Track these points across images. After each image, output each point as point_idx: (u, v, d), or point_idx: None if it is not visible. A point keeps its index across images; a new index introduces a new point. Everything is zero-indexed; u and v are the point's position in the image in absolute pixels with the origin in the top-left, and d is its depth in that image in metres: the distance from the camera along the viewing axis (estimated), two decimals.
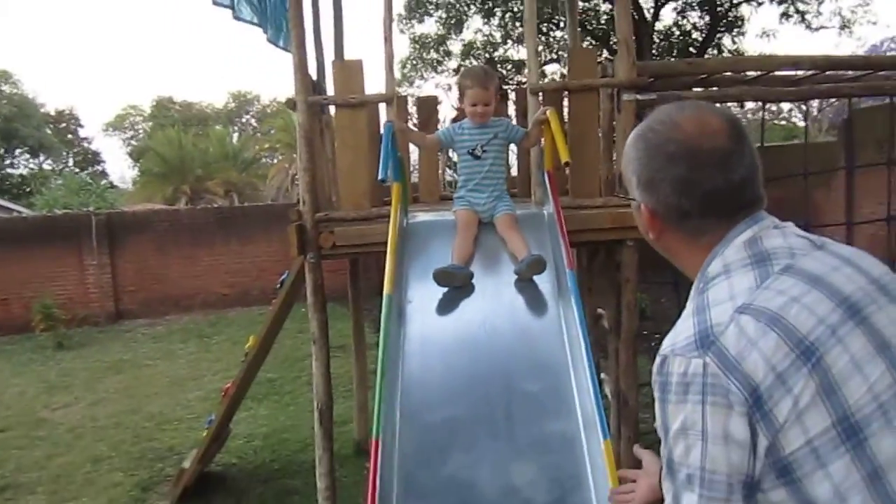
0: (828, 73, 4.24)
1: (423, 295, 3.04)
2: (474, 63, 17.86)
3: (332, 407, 4.03)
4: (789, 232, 1.22)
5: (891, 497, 1.00)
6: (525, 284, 3.03)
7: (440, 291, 3.05)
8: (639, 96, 3.74)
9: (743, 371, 1.03)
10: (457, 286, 3.03)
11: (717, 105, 1.37)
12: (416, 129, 3.59)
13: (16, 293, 12.61)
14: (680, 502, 1.10)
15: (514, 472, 2.35)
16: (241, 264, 13.77)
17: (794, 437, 1.02)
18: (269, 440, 6.29)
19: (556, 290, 2.98)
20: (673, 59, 13.01)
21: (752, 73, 4.32)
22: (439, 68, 17.78)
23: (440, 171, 6.00)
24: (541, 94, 4.01)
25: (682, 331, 1.12)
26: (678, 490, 1.11)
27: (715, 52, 15.89)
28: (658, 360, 1.14)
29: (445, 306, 2.97)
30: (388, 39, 3.72)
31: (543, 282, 3.00)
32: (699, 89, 4.20)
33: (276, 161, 35.45)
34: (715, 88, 4.46)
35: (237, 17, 4.29)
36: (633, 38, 3.89)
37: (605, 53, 13.81)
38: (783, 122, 34.04)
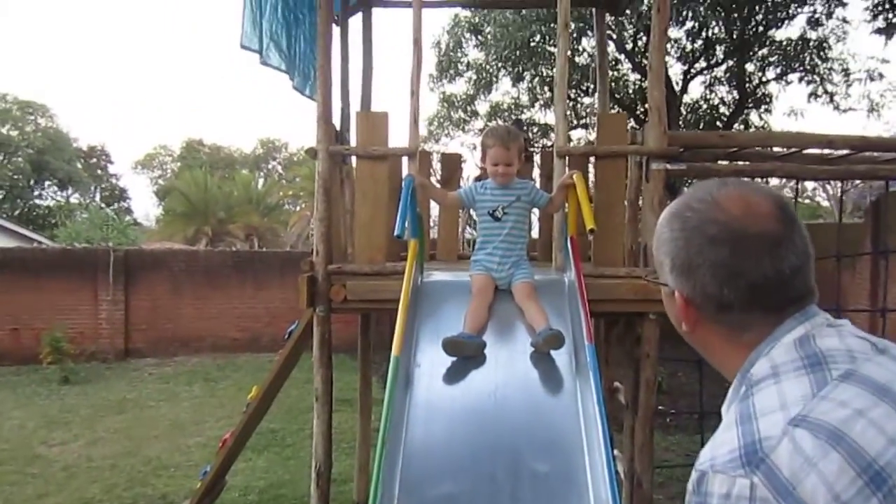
0: (862, 153, 4.14)
1: (433, 359, 2.90)
2: (500, 124, 18.03)
3: (331, 467, 3.86)
4: (846, 331, 1.04)
5: None
6: (540, 356, 2.88)
7: (451, 357, 2.90)
8: (668, 166, 3.63)
9: (798, 497, 0.85)
10: (467, 356, 2.88)
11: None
12: (437, 186, 3.47)
13: (27, 323, 12.57)
14: None
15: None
16: (255, 309, 13.67)
17: None
18: (265, 495, 6.07)
19: (573, 364, 2.83)
20: (703, 132, 13.00)
21: (781, 150, 4.23)
22: (465, 127, 17.90)
23: (460, 230, 5.90)
24: (566, 158, 3.93)
25: (724, 442, 0.94)
26: None
27: (742, 127, 15.86)
28: (695, 476, 0.95)
29: (455, 373, 2.82)
30: (414, 93, 3.66)
31: (560, 354, 2.85)
32: (727, 162, 4.10)
33: (298, 208, 35.72)
34: (745, 163, 4.36)
35: (264, 63, 4.27)
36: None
37: (632, 122, 13.83)
38: (807, 201, 33.93)
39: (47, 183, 37.44)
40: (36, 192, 37.40)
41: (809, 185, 32.05)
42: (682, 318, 1.11)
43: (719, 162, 4.05)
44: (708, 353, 1.14)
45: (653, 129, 3.66)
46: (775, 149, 4.39)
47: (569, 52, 3.81)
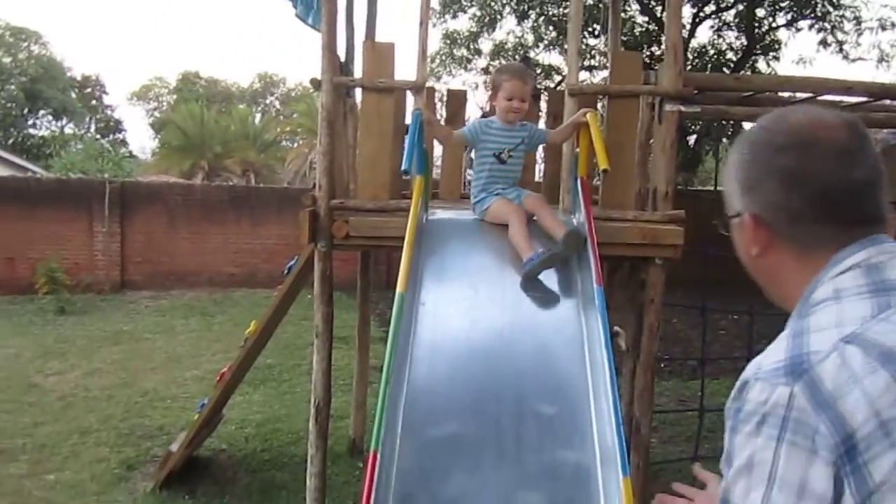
0: (880, 101, 4.04)
1: (437, 297, 2.84)
2: (503, 62, 17.69)
3: (330, 404, 3.85)
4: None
5: None
6: (548, 296, 2.82)
7: (456, 295, 2.86)
8: (682, 108, 3.53)
9: (837, 411, 0.83)
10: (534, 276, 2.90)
11: None
12: (442, 123, 3.41)
13: (22, 253, 12.49)
14: None
15: (520, 502, 2.15)
16: (251, 245, 13.60)
17: (878, 489, 0.82)
18: (262, 429, 6.11)
19: (580, 306, 2.78)
20: (718, 74, 12.75)
21: (799, 95, 4.11)
22: (468, 66, 17.56)
23: (463, 169, 5.79)
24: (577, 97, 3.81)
25: (772, 354, 0.93)
26: None
27: (749, 73, 15.62)
28: (738, 384, 0.94)
29: (461, 312, 2.77)
30: (423, 23, 3.52)
31: (567, 295, 2.79)
32: (743, 107, 3.99)
33: (296, 145, 35.36)
34: (757, 107, 4.25)
35: None
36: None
37: None
38: None
39: (41, 112, 36.89)
40: (30, 122, 36.91)
41: None
42: (752, 241, 1.06)
43: (734, 106, 3.94)
44: (775, 279, 1.08)
45: (668, 69, 3.54)
46: (786, 95, 4.28)
47: None
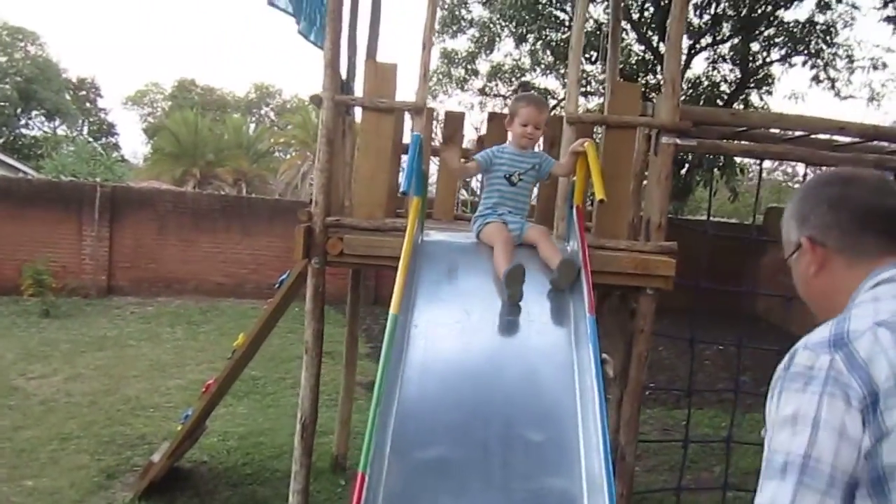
0: (872, 142, 4.09)
1: (430, 319, 2.85)
2: (500, 85, 17.81)
3: (316, 421, 3.83)
4: None
5: None
6: (540, 322, 2.84)
7: (448, 317, 2.86)
8: (679, 140, 3.57)
9: (868, 371, 1.05)
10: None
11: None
12: (472, 160, 3.47)
13: (9, 255, 12.38)
14: (760, 496, 1.08)
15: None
16: (240, 256, 13.56)
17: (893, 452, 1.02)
18: (244, 442, 6.07)
19: (571, 334, 2.79)
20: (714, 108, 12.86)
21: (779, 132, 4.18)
22: (465, 86, 17.67)
23: (457, 190, 5.82)
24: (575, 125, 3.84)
25: (818, 333, 1.15)
26: (763, 483, 1.09)
27: (741, 107, 15.79)
28: (788, 355, 1.15)
29: (453, 335, 2.78)
30: (426, 46, 3.56)
31: (559, 324, 2.81)
32: (740, 142, 4.04)
33: (289, 156, 35.38)
34: (755, 143, 4.31)
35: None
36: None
37: None
38: (797, 185, 34.03)
39: (34, 113, 36.78)
40: (22, 122, 36.76)
41: (801, 169, 32.12)
42: (811, 262, 1.28)
43: (729, 141, 3.99)
44: (830, 293, 1.28)
45: (666, 102, 3.58)
46: (773, 130, 4.34)
47: (586, 16, 3.72)
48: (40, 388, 7.30)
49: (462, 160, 3.54)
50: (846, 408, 1.03)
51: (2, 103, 34.14)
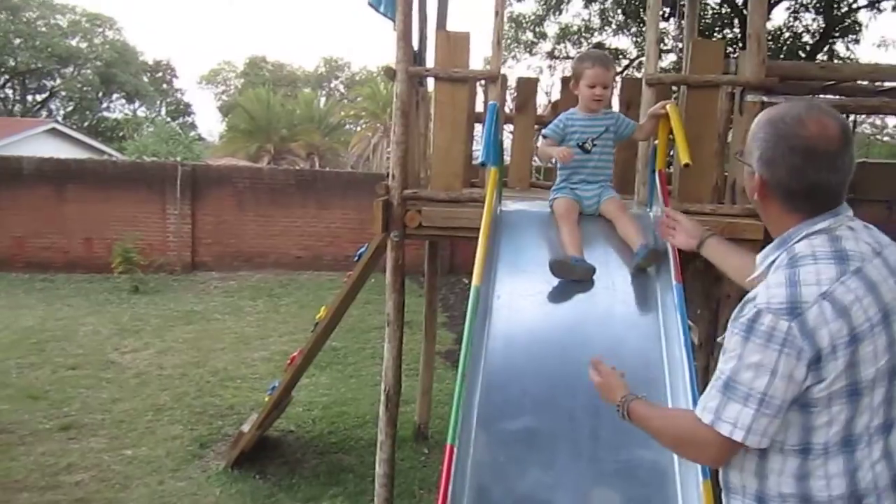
0: None
1: (512, 290, 2.83)
2: (569, 47, 17.44)
3: (400, 392, 3.89)
4: (859, 236, 1.57)
5: (854, 427, 1.49)
6: (624, 291, 2.78)
7: (530, 287, 2.84)
8: (765, 98, 3.42)
9: (815, 339, 1.44)
10: (575, 280, 2.80)
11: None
12: (547, 139, 3.19)
13: (99, 234, 12.97)
14: (723, 412, 1.50)
15: (595, 500, 2.14)
16: (316, 229, 13.82)
17: (823, 387, 1.46)
18: (328, 411, 6.22)
19: (657, 302, 2.73)
20: (802, 62, 12.27)
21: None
22: (533, 50, 17.38)
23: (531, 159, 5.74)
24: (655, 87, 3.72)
25: (777, 295, 1.48)
26: (725, 400, 1.50)
27: (825, 58, 15.05)
28: (752, 308, 1.49)
29: (535, 305, 2.76)
30: (499, 13, 3.49)
31: (644, 292, 2.75)
32: (831, 96, 3.84)
33: (359, 129, 35.66)
34: (843, 97, 4.10)
35: None
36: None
37: None
38: (887, 139, 32.30)
39: (115, 96, 38.08)
40: (104, 105, 38.12)
41: (891, 121, 30.49)
42: (755, 191, 1.63)
43: (818, 96, 3.80)
44: (764, 214, 1.67)
45: (751, 58, 3.43)
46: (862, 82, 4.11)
47: None
48: (134, 362, 7.64)
49: (549, 144, 3.21)
50: (797, 363, 1.44)
51: (84, 88, 35.42)
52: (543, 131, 3.22)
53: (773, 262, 1.58)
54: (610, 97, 3.19)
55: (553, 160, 3.20)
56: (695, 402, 2.22)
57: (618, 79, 3.42)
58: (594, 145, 3.14)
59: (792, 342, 1.43)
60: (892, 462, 1.53)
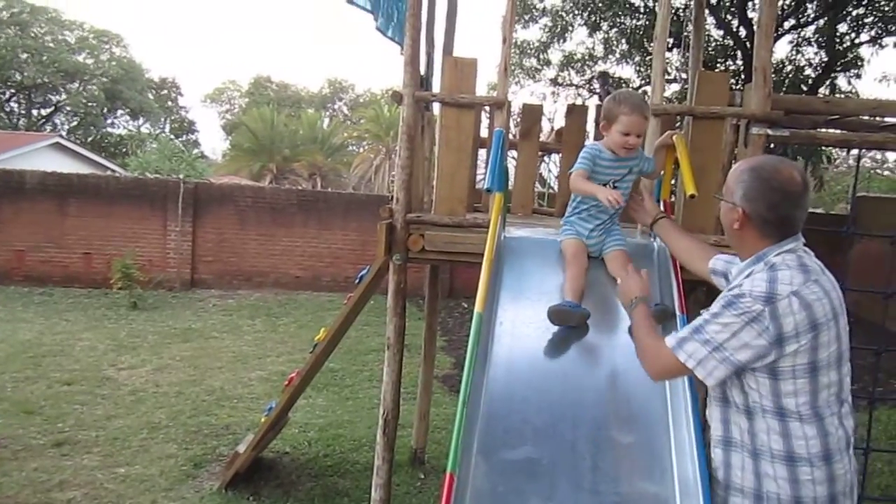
0: None
1: (515, 317, 2.82)
2: (572, 75, 17.54)
3: (398, 416, 3.86)
4: (811, 258, 2.06)
5: (818, 400, 1.97)
6: (627, 323, 2.76)
7: (533, 315, 2.82)
8: (770, 131, 3.43)
9: (780, 324, 1.91)
10: (572, 326, 2.74)
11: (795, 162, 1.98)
12: (581, 171, 2.93)
13: (98, 249, 12.97)
14: (685, 345, 2.04)
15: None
16: (317, 249, 13.82)
17: (788, 361, 1.94)
18: (325, 433, 6.17)
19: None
20: (807, 96, 12.33)
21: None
22: (537, 76, 17.49)
23: (534, 185, 5.76)
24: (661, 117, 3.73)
25: (759, 286, 1.96)
26: (689, 339, 2.03)
27: (828, 92, 15.14)
28: (736, 290, 1.99)
29: (538, 333, 2.74)
30: (506, 41, 3.51)
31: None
32: (835, 130, 3.86)
33: (361, 150, 35.81)
34: (847, 132, 4.11)
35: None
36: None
37: None
38: (887, 173, 32.42)
39: (120, 112, 38.24)
40: (109, 121, 38.26)
41: (891, 156, 30.62)
42: (736, 221, 2.09)
43: (823, 130, 3.81)
44: (740, 241, 2.14)
45: (756, 91, 3.45)
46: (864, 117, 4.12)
47: (671, 2, 3.60)
48: (130, 379, 7.59)
49: (584, 177, 2.95)
50: (757, 336, 1.91)
51: (90, 104, 35.59)
52: (577, 165, 2.97)
53: (750, 272, 2.04)
54: (639, 145, 2.99)
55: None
56: (696, 428, 2.25)
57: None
58: (615, 186, 2.98)
59: (760, 321, 1.91)
60: (846, 429, 2.02)
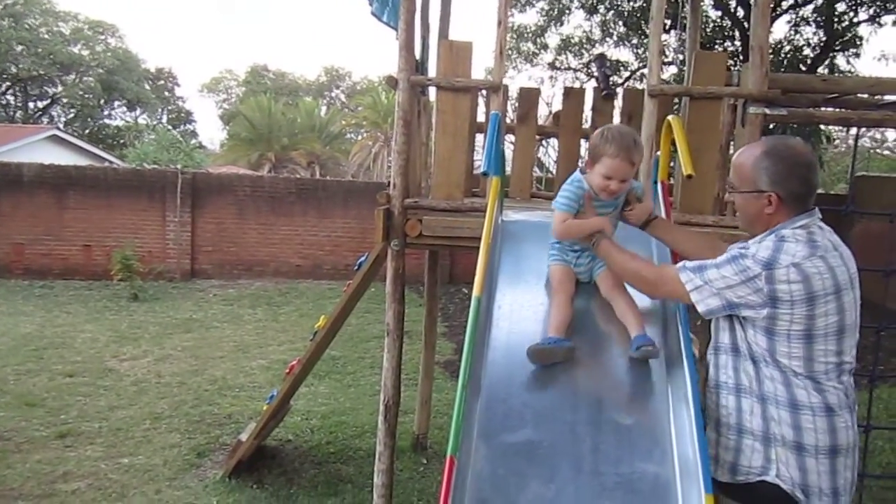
0: None
1: (513, 301, 2.81)
2: (570, 58, 17.45)
3: (399, 402, 3.87)
4: (824, 234, 2.15)
5: (815, 366, 2.09)
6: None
7: (531, 298, 2.82)
8: (767, 110, 3.41)
9: (775, 288, 2.06)
10: (556, 363, 2.49)
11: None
12: (564, 213, 2.63)
13: (98, 241, 12.98)
14: (686, 272, 2.24)
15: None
16: (317, 237, 13.82)
17: (783, 325, 2.08)
18: (327, 421, 6.19)
19: (660, 314, 2.71)
20: (804, 75, 12.27)
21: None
22: (534, 61, 17.42)
23: (532, 169, 5.74)
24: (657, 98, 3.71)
25: (763, 251, 2.10)
26: (696, 274, 2.22)
27: (826, 71, 15.08)
28: (745, 250, 2.15)
29: (536, 316, 2.73)
30: (501, 23, 3.49)
31: (644, 302, 2.72)
32: (832, 109, 3.84)
33: (360, 138, 35.72)
34: (845, 110, 4.09)
35: None
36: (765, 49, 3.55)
37: None
38: (887, 152, 32.30)
39: (116, 103, 38.14)
40: (105, 112, 38.16)
41: (890, 135, 30.51)
42: (765, 207, 2.17)
43: (820, 109, 3.79)
44: (764, 223, 2.20)
45: (754, 71, 3.43)
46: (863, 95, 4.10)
47: None
48: (132, 370, 7.61)
49: (567, 219, 2.64)
50: (751, 292, 2.09)
51: (86, 95, 35.48)
52: (559, 206, 2.65)
53: (762, 241, 2.16)
54: (626, 190, 2.65)
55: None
56: (696, 412, 2.24)
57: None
58: (601, 214, 2.68)
59: (754, 282, 2.08)
60: (847, 392, 2.15)
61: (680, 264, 2.29)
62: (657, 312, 2.75)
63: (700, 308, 2.22)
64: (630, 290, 2.63)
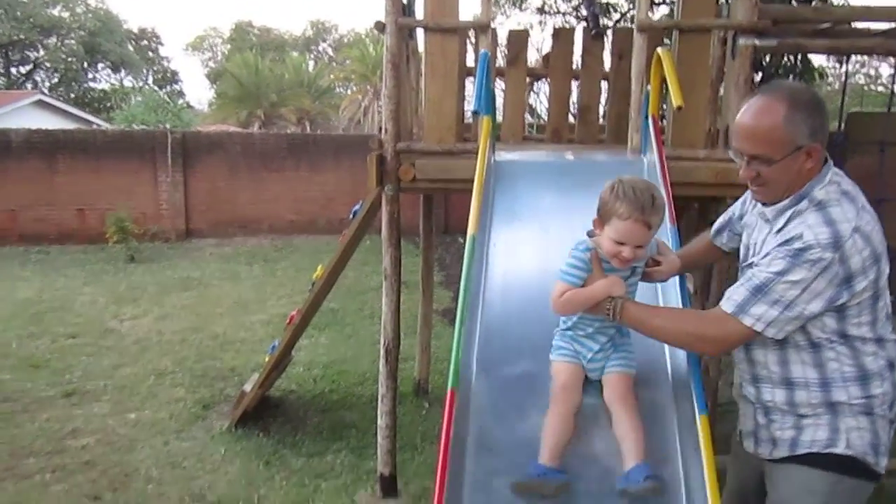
0: None
1: (508, 238, 2.84)
2: (559, 2, 17.17)
3: (399, 345, 3.92)
4: (845, 179, 1.98)
5: (876, 324, 1.95)
6: None
7: (526, 235, 2.85)
8: (757, 42, 3.40)
9: (849, 265, 1.84)
10: (547, 496, 2.03)
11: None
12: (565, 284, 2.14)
13: (92, 204, 12.94)
14: (750, 309, 1.90)
15: (595, 438, 2.17)
16: (310, 192, 13.80)
17: (856, 297, 1.88)
18: (329, 370, 6.28)
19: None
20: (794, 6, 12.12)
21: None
22: (522, 5, 17.15)
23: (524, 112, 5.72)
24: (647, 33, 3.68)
25: (822, 233, 1.84)
26: (752, 301, 1.90)
27: (822, 3, 14.91)
28: (799, 244, 1.84)
29: (532, 253, 2.77)
30: None
31: None
32: (825, 39, 3.82)
33: (349, 92, 35.36)
34: (837, 39, 4.07)
35: None
36: None
37: None
38: (881, 88, 32.11)
39: (100, 66, 37.53)
40: (90, 76, 37.60)
41: (885, 71, 30.27)
42: (811, 160, 1.91)
43: (811, 39, 3.78)
44: (804, 178, 1.93)
45: (743, 1, 3.41)
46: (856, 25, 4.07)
47: None
48: (133, 329, 7.67)
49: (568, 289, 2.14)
50: (827, 283, 1.84)
51: (69, 58, 34.92)
52: (560, 276, 2.17)
53: (793, 213, 1.92)
54: (641, 257, 2.22)
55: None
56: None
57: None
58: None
59: (830, 268, 1.82)
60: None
61: (731, 306, 1.91)
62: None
63: (777, 337, 1.93)
64: (636, 406, 2.16)
